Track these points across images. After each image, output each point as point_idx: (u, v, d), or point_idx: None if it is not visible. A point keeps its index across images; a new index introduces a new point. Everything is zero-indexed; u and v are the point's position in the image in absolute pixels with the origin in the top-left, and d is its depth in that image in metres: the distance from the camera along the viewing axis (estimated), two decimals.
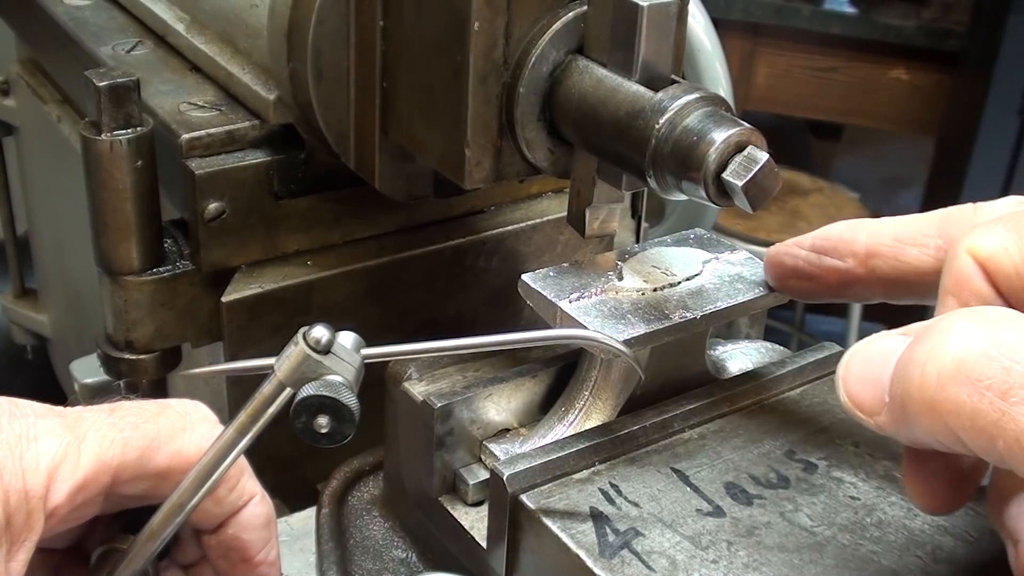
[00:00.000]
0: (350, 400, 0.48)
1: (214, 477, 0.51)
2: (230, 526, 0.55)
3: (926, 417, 0.42)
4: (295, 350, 0.49)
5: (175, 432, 0.52)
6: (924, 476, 0.49)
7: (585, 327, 0.59)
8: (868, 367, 0.46)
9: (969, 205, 0.55)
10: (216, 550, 0.56)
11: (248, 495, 0.55)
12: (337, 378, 0.49)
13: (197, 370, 0.59)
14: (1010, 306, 0.47)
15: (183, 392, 0.89)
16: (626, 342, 0.58)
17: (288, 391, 0.49)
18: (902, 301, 0.57)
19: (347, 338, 0.50)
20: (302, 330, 0.49)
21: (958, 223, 0.54)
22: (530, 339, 0.56)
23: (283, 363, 0.49)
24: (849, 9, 2.92)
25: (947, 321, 0.43)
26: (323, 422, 0.48)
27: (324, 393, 0.48)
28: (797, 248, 0.60)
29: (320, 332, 0.48)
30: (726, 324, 0.71)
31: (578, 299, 0.61)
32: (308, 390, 0.48)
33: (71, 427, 0.49)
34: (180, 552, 0.57)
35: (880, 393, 0.45)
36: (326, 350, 0.49)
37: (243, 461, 0.54)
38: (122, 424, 0.51)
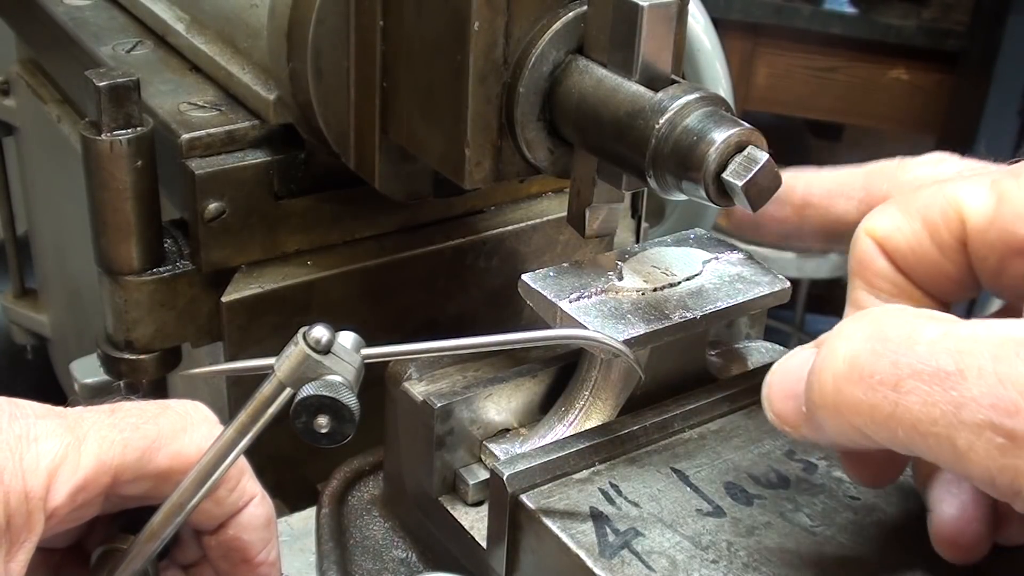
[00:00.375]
0: (350, 400, 0.48)
1: (214, 477, 0.51)
2: (231, 527, 0.55)
3: (832, 420, 0.44)
4: (295, 350, 0.49)
5: (176, 433, 0.52)
6: (858, 458, 0.52)
7: (585, 327, 0.59)
8: (786, 383, 0.48)
9: (895, 159, 0.57)
10: (216, 551, 0.56)
11: (248, 496, 0.55)
12: (337, 378, 0.49)
13: (197, 370, 0.59)
14: (909, 280, 0.51)
15: (183, 392, 0.89)
16: (626, 342, 0.58)
17: (288, 391, 0.49)
18: (836, 249, 0.60)
19: (347, 338, 0.50)
20: (302, 330, 0.49)
21: (881, 177, 0.57)
22: (530, 339, 0.56)
23: (283, 363, 0.49)
24: (849, 9, 2.92)
25: (837, 327, 0.45)
26: (323, 422, 0.48)
27: (324, 393, 0.48)
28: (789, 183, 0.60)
29: (320, 332, 0.48)
30: (726, 324, 0.71)
31: (578, 299, 0.61)
32: (308, 390, 0.48)
33: (71, 428, 0.49)
34: (180, 552, 0.57)
35: (798, 406, 0.47)
36: (326, 350, 0.49)
37: (243, 462, 0.54)
38: (123, 425, 0.51)
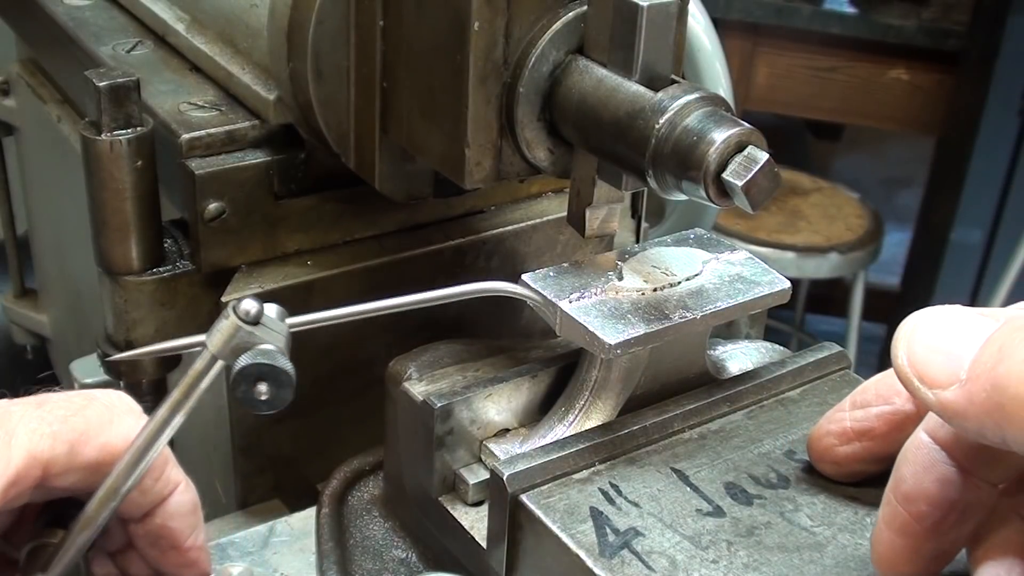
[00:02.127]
0: (287, 365, 0.50)
1: (150, 455, 0.52)
2: (157, 515, 0.56)
3: (1020, 415, 0.40)
4: (226, 323, 0.50)
5: (103, 424, 0.53)
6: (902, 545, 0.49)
7: (497, 280, 0.61)
8: (942, 337, 0.43)
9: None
10: (145, 539, 0.56)
11: (173, 483, 0.56)
12: (270, 346, 0.50)
13: (124, 354, 0.60)
14: None
15: None
16: (626, 342, 0.58)
17: (220, 364, 0.51)
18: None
19: (271, 309, 0.52)
20: (231, 304, 0.50)
21: None
22: (447, 295, 0.60)
23: (215, 337, 0.50)
24: (849, 9, 2.92)
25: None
26: (263, 389, 0.50)
27: (261, 361, 0.49)
28: (838, 413, 0.57)
29: (249, 304, 0.50)
30: (726, 324, 0.71)
31: (578, 299, 0.61)
32: (245, 360, 0.50)
33: (1, 422, 0.50)
34: (107, 540, 0.58)
35: (954, 367, 0.42)
36: (256, 321, 0.50)
37: (167, 450, 0.54)
38: (51, 418, 0.51)
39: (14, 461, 0.49)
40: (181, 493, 0.56)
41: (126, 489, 0.52)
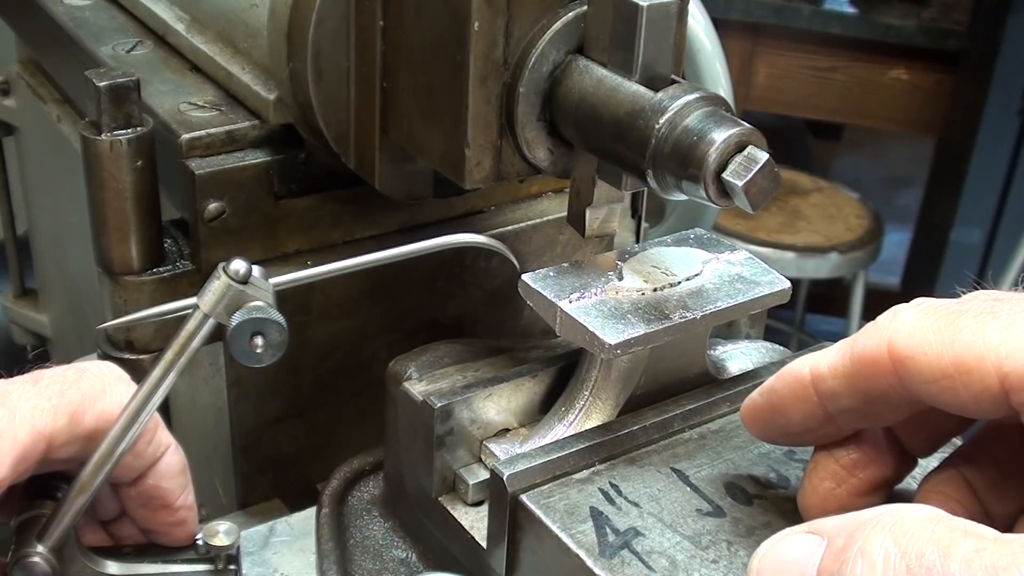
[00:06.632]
0: (278, 317, 0.53)
1: (142, 418, 0.54)
2: (150, 476, 0.58)
3: None
4: (218, 283, 0.52)
5: (97, 394, 0.55)
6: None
7: (468, 232, 0.64)
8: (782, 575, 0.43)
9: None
10: (137, 500, 0.59)
11: (164, 445, 0.58)
12: (260, 303, 0.53)
13: (116, 320, 0.63)
14: None
15: (184, 393, 0.89)
16: (626, 342, 0.58)
17: (211, 322, 0.53)
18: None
19: (256, 270, 0.54)
20: (220, 265, 0.53)
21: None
22: (423, 248, 0.63)
23: (207, 297, 0.53)
24: (849, 9, 2.92)
25: (869, 541, 0.40)
26: (259, 342, 0.53)
27: (255, 316, 0.52)
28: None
29: (238, 264, 0.53)
30: (726, 324, 0.71)
31: (578, 299, 0.61)
32: (239, 316, 0.52)
33: (2, 401, 0.51)
34: (99, 508, 0.60)
35: None
36: (245, 280, 0.53)
37: (156, 415, 0.56)
38: (48, 393, 0.53)
39: (20, 437, 0.51)
40: (171, 454, 0.59)
41: (120, 451, 0.54)
